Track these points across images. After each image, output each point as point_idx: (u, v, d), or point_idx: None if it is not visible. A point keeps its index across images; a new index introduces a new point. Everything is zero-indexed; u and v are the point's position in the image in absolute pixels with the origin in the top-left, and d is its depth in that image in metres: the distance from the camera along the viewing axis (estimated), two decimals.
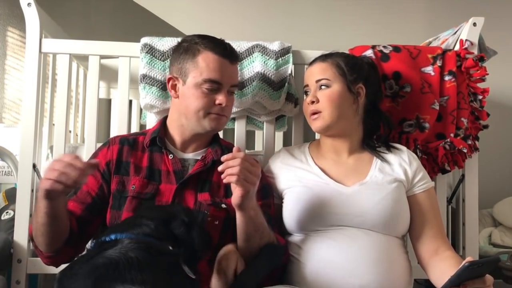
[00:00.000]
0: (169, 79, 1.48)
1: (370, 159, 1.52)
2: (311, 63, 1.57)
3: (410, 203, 1.48)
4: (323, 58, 1.54)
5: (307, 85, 1.54)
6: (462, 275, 1.14)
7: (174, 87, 1.48)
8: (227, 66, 1.43)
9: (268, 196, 1.48)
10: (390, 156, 1.53)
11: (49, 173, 1.15)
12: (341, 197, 1.42)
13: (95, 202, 1.40)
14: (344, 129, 1.51)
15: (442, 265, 1.38)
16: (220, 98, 1.42)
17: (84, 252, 1.34)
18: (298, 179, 1.49)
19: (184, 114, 1.45)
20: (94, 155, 1.48)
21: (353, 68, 1.51)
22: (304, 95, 1.57)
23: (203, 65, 1.41)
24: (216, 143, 1.52)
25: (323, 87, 1.49)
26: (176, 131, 1.50)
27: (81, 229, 1.37)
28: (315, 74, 1.52)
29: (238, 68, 1.74)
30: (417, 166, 1.52)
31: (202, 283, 1.23)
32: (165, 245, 1.09)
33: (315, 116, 1.49)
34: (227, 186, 1.45)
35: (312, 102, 1.49)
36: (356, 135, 1.54)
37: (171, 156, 1.45)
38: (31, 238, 1.36)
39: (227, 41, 1.62)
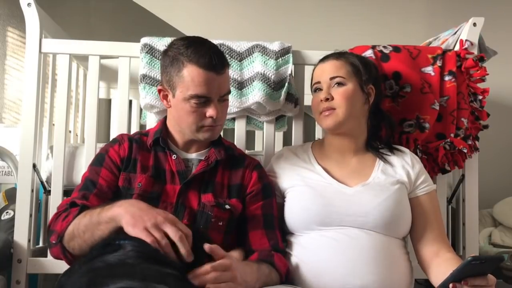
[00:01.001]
0: (160, 90, 1.46)
1: (373, 160, 1.52)
2: (322, 60, 1.55)
3: (412, 205, 1.48)
4: (336, 56, 1.53)
5: (318, 82, 1.52)
6: (464, 270, 1.14)
7: (165, 97, 1.46)
8: (214, 79, 1.36)
9: (270, 195, 1.48)
10: (393, 158, 1.52)
11: (157, 233, 1.08)
12: (343, 197, 1.42)
13: (116, 197, 1.38)
14: (353, 129, 1.51)
15: (443, 267, 1.37)
16: (210, 111, 1.38)
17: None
18: (301, 178, 1.49)
19: (179, 124, 1.45)
20: (105, 151, 1.45)
21: (366, 68, 1.51)
22: (314, 92, 1.54)
23: (189, 79, 1.36)
24: (218, 143, 1.51)
25: (338, 84, 1.48)
26: (176, 133, 1.49)
27: None
28: (329, 71, 1.50)
29: (238, 68, 1.74)
30: (420, 168, 1.51)
31: None
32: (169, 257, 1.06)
33: (328, 112, 1.47)
34: (231, 187, 1.45)
35: (327, 99, 1.48)
36: (362, 136, 1.54)
37: (174, 157, 1.44)
38: (59, 235, 1.25)
39: (226, 41, 1.61)
